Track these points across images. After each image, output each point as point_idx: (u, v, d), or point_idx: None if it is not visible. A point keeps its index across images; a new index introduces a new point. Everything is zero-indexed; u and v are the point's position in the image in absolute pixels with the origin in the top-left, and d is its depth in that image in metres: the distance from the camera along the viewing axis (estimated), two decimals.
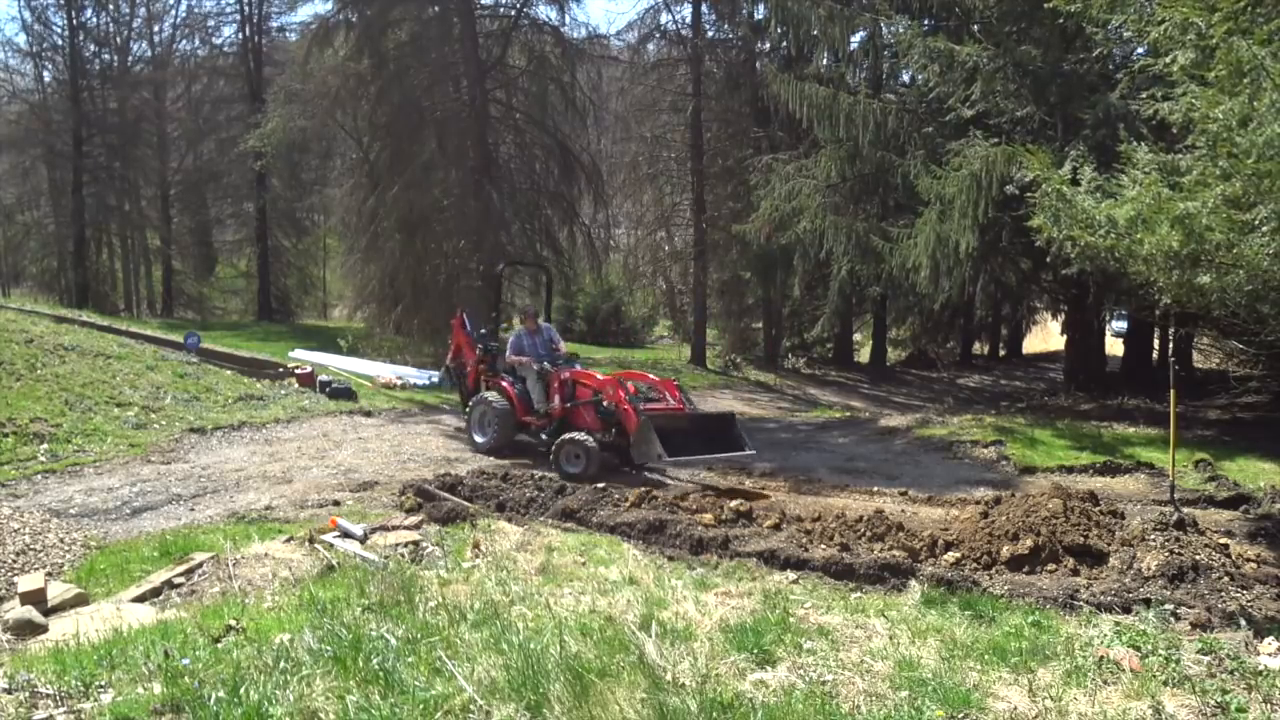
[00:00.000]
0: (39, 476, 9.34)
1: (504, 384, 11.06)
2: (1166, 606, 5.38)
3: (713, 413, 11.59)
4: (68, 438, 10.69)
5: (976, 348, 31.13)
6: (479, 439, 11.19)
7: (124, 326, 18.98)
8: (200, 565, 6.21)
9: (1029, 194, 10.14)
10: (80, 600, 5.72)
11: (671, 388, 10.34)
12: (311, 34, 22.51)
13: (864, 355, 27.50)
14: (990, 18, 15.18)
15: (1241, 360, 16.82)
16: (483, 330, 12.00)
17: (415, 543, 6.71)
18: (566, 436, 9.75)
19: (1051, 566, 6.32)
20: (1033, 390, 20.79)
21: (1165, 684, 4.13)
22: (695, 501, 8.06)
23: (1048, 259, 11.92)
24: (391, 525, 7.19)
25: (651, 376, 11.15)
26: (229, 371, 16.07)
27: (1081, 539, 6.55)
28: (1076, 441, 12.19)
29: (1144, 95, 9.26)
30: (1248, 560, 6.39)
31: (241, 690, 3.62)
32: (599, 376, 10.53)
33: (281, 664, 3.92)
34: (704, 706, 3.55)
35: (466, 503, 8.07)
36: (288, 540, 6.63)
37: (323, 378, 16.01)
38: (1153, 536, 6.56)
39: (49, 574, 6.33)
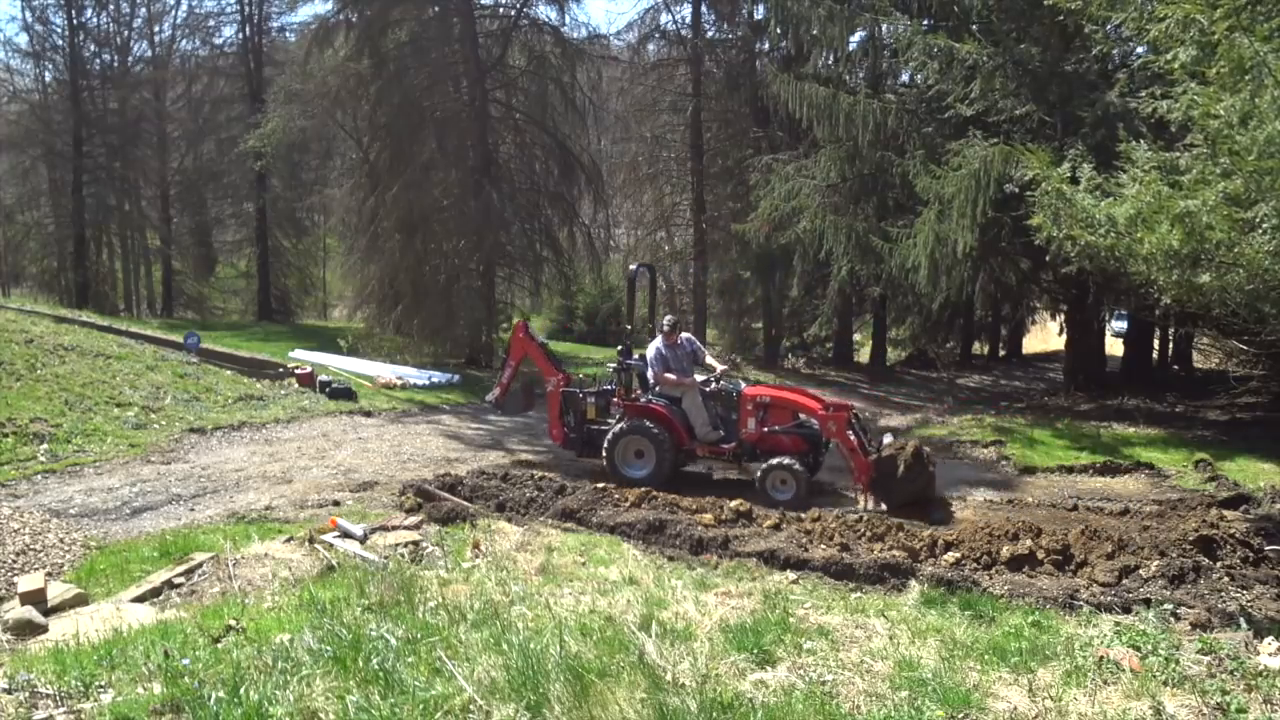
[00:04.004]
0: (39, 476, 9.33)
1: (657, 407, 9.48)
2: (1166, 606, 5.38)
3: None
4: (68, 438, 10.69)
5: (976, 348, 31.08)
6: (632, 473, 9.36)
7: (124, 326, 18.98)
8: (200, 565, 6.21)
9: (1028, 193, 10.13)
10: (80, 600, 5.72)
11: (840, 420, 8.97)
12: (311, 34, 22.55)
13: (864, 355, 27.47)
14: (989, 16, 15.16)
15: (1241, 360, 16.80)
16: (619, 346, 10.53)
17: (415, 543, 6.72)
18: (774, 462, 8.83)
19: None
20: (1033, 390, 20.78)
21: (1165, 684, 4.13)
22: (695, 501, 8.06)
23: (1047, 258, 11.92)
24: (391, 525, 7.19)
25: (825, 397, 9.59)
26: (229, 371, 16.07)
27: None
28: (1076, 442, 12.19)
29: (1143, 94, 9.25)
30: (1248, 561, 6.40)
31: (241, 690, 3.62)
32: (815, 402, 9.29)
33: (281, 664, 3.92)
34: (704, 706, 3.54)
35: (466, 503, 8.07)
36: (288, 540, 6.63)
37: (323, 378, 16.00)
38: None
39: (49, 574, 6.33)
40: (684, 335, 10.02)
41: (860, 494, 8.69)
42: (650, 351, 9.76)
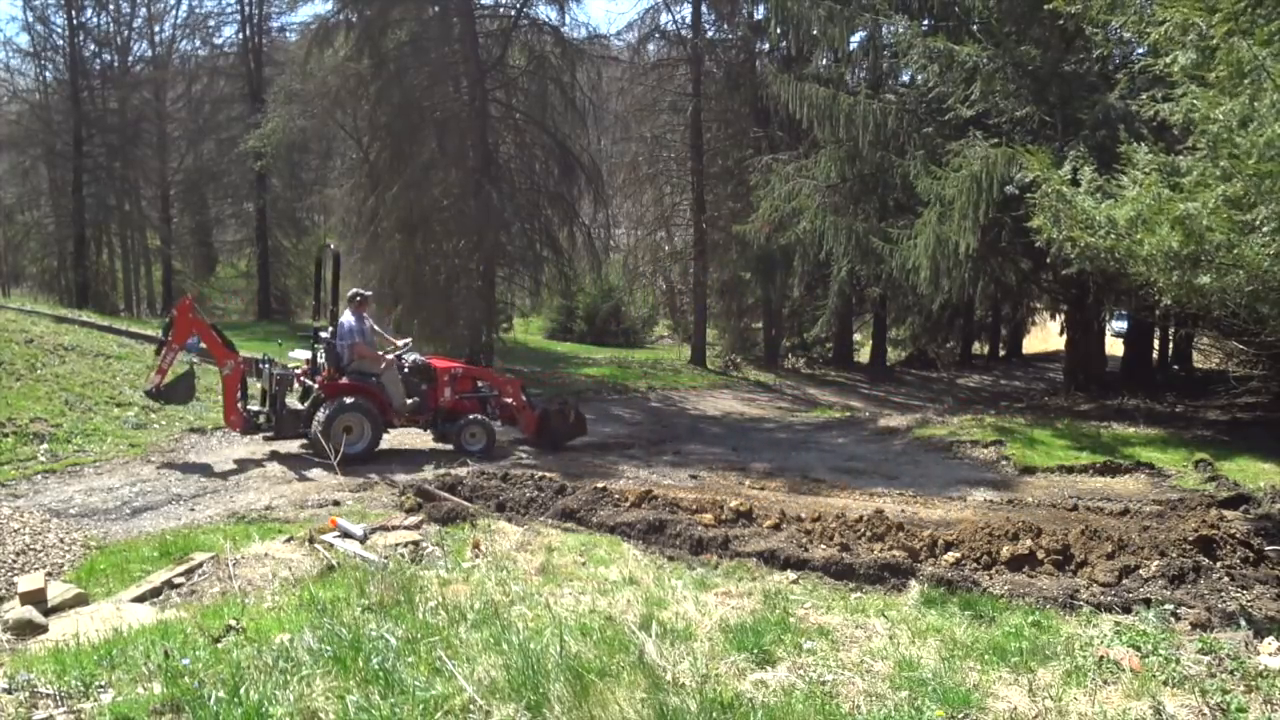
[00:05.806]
0: (39, 476, 9.33)
1: (363, 385, 10.30)
2: (1166, 606, 5.38)
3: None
4: (68, 438, 10.69)
5: (976, 348, 31.11)
6: (351, 449, 9.85)
7: (124, 326, 18.95)
8: (200, 565, 6.21)
9: (1029, 194, 10.14)
10: (80, 600, 5.72)
11: (516, 385, 11.64)
12: (311, 34, 22.50)
13: (864, 355, 27.49)
14: (990, 18, 15.17)
15: (1241, 360, 16.82)
16: (316, 325, 10.73)
17: (415, 543, 6.71)
18: (470, 418, 10.74)
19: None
20: (1033, 390, 20.79)
21: (1165, 684, 4.13)
22: (695, 501, 8.06)
23: (1048, 259, 11.93)
24: (391, 525, 7.19)
25: (497, 376, 12.06)
26: None
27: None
28: (1076, 441, 12.19)
29: (1144, 96, 9.26)
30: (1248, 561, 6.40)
31: (241, 690, 3.62)
32: (497, 376, 12.15)
33: (281, 664, 3.91)
34: (704, 706, 3.54)
35: (466, 503, 8.07)
36: (288, 540, 6.63)
37: None
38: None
39: (49, 574, 6.33)
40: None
41: (531, 441, 11.27)
42: (346, 325, 10.30)
